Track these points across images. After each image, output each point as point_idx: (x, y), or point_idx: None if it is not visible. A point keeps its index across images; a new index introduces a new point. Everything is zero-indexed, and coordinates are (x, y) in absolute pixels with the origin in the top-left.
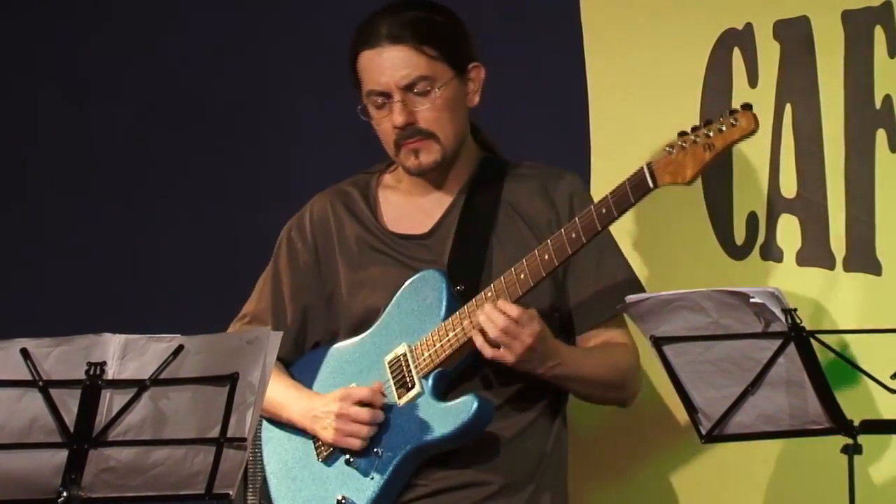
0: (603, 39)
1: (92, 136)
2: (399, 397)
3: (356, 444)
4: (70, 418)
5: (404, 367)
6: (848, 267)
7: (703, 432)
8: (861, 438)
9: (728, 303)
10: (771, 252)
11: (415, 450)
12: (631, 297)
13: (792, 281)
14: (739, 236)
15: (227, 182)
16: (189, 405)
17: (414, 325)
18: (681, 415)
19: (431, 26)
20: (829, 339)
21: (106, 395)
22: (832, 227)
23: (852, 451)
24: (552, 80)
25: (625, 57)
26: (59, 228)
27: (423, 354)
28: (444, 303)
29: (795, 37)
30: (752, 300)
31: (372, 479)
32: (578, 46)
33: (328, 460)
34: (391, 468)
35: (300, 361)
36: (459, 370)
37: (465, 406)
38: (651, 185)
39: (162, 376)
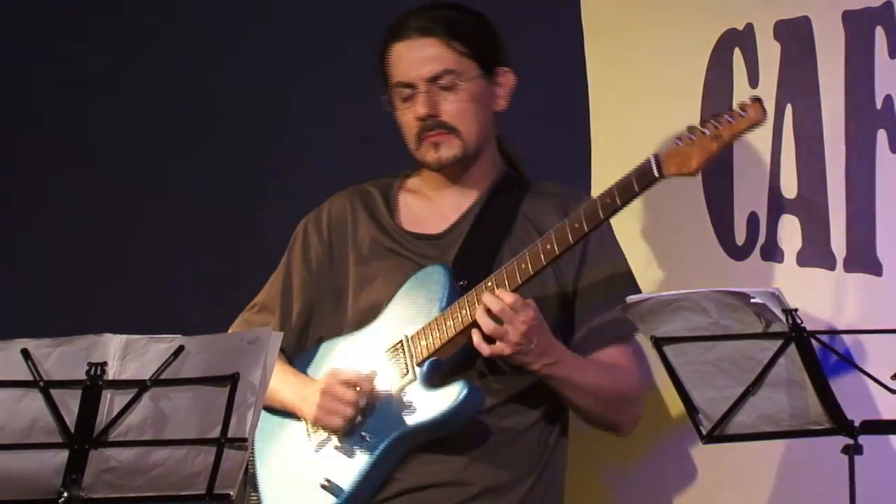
0: (603, 40)
1: (92, 135)
2: (392, 385)
3: (338, 422)
4: (71, 419)
5: (400, 356)
6: (848, 267)
7: (704, 433)
8: (862, 439)
9: (729, 303)
10: (771, 252)
11: (402, 435)
12: (631, 298)
13: (792, 281)
14: (740, 236)
15: (227, 182)
16: (190, 405)
17: (414, 317)
18: (681, 415)
19: (462, 23)
20: (829, 339)
21: (107, 395)
22: (833, 227)
23: (853, 451)
24: (552, 80)
25: (625, 57)
26: (60, 228)
27: (419, 343)
28: (445, 295)
29: (796, 37)
30: (752, 300)
31: (357, 462)
32: (579, 47)
33: (319, 447)
34: (377, 453)
35: (303, 355)
36: (456, 361)
37: (453, 391)
38: (656, 174)
39: (163, 377)
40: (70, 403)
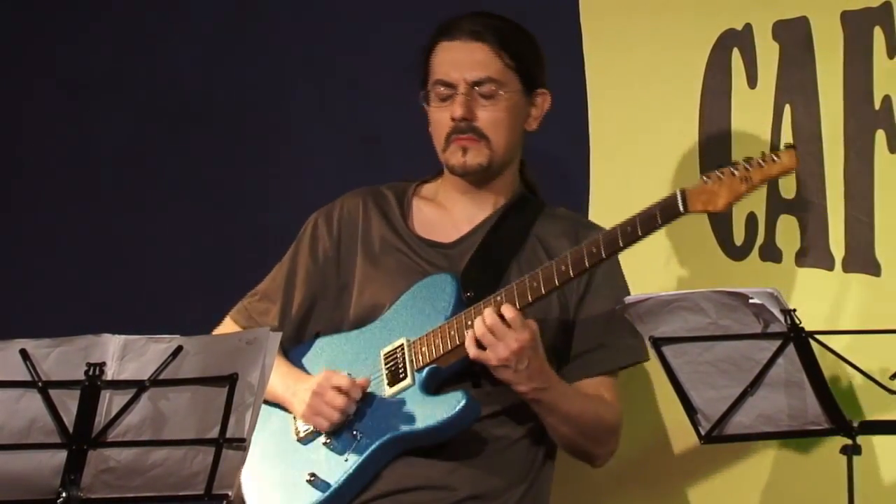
0: (602, 40)
1: (90, 136)
2: (389, 387)
3: (324, 424)
4: (69, 419)
5: (399, 360)
6: (847, 267)
7: (703, 433)
8: (860, 439)
9: (727, 303)
10: (770, 253)
11: (395, 438)
12: (630, 298)
13: (791, 281)
14: (739, 237)
15: (226, 182)
16: (188, 406)
17: (417, 323)
18: (680, 415)
19: (513, 37)
20: (828, 339)
21: (105, 395)
22: (831, 227)
23: (851, 451)
24: (551, 80)
25: (624, 57)
26: (58, 228)
27: (420, 349)
28: (451, 304)
29: (795, 37)
30: (751, 301)
31: (346, 460)
32: (578, 47)
33: (304, 440)
34: (367, 453)
35: (299, 349)
36: (454, 371)
37: (452, 400)
38: (682, 209)
39: (161, 377)
40: (69, 404)
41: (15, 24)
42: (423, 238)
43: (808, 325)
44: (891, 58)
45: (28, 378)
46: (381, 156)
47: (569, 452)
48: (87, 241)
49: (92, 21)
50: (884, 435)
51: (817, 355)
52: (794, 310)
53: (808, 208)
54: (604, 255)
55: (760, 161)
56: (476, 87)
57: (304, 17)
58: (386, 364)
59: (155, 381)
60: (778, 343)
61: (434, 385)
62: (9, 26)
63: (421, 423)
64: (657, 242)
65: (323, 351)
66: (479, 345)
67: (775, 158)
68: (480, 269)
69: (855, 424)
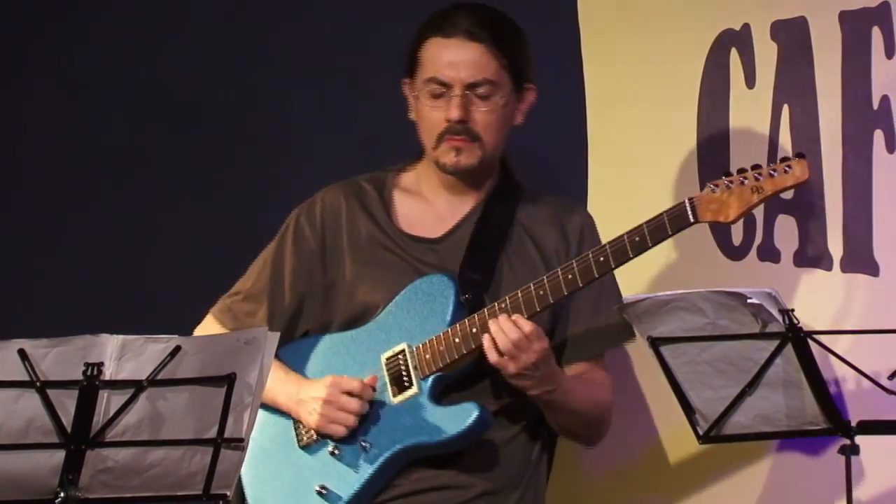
0: (600, 40)
1: (88, 135)
2: (393, 395)
3: (340, 431)
4: (67, 419)
5: (402, 366)
6: (845, 267)
7: (701, 433)
8: (858, 439)
9: (725, 303)
10: (768, 253)
11: (406, 448)
12: (628, 298)
13: (789, 281)
14: (737, 237)
15: (225, 181)
16: (186, 406)
17: (416, 327)
18: (678, 415)
19: (508, 34)
20: (826, 339)
21: (103, 395)
22: (830, 227)
23: (849, 451)
24: (549, 81)
25: (622, 58)
26: (56, 228)
27: (424, 356)
28: (451, 309)
29: (793, 37)
30: (749, 301)
31: (357, 471)
32: (576, 48)
33: (310, 448)
34: (378, 463)
35: (290, 346)
36: (457, 376)
37: (466, 412)
38: (692, 219)
39: (159, 377)
40: (67, 403)
41: (15, 25)
42: (409, 234)
43: (806, 325)
44: (889, 58)
45: (26, 378)
46: (381, 156)
47: (567, 438)
48: (86, 241)
49: (92, 21)
50: (882, 435)
51: (816, 355)
52: (793, 310)
53: (806, 208)
54: (612, 265)
55: (771, 171)
56: (472, 89)
57: (304, 17)
58: (388, 369)
59: (153, 381)
60: (776, 343)
61: (440, 392)
62: (8, 27)
63: (433, 435)
64: None
65: (317, 352)
66: (499, 352)
67: (787, 169)
68: (474, 267)
69: (853, 424)
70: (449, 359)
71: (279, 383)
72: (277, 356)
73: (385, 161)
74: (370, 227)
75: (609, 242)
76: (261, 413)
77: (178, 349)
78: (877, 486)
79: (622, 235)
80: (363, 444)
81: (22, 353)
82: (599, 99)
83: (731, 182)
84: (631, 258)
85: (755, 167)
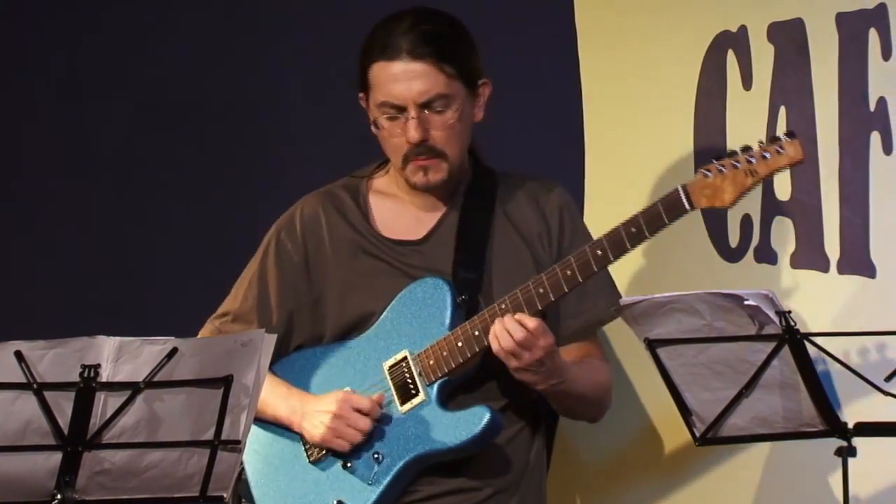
0: (597, 41)
1: (86, 136)
2: (401, 404)
3: (345, 446)
4: (64, 421)
5: (406, 374)
6: (842, 269)
7: (698, 435)
8: (855, 441)
9: (722, 305)
10: (765, 254)
11: (419, 457)
12: (625, 299)
13: (786, 283)
14: (734, 238)
15: (222, 182)
16: (183, 408)
17: (415, 332)
18: (675, 417)
19: (450, 43)
20: (823, 341)
21: (100, 397)
22: (826, 229)
23: (846, 453)
24: (547, 82)
25: (619, 59)
26: (54, 229)
27: (427, 362)
28: (449, 311)
29: (790, 39)
30: (746, 302)
31: (371, 484)
32: (573, 48)
33: (320, 463)
34: (393, 474)
35: (285, 361)
36: (462, 379)
37: (475, 417)
38: (687, 206)
39: (156, 379)
40: (64, 405)
41: (15, 25)
42: (390, 238)
43: (802, 326)
44: (885, 59)
45: (23, 380)
46: (380, 156)
47: (569, 418)
48: (83, 242)
49: (91, 22)
50: (879, 437)
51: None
52: (789, 311)
53: (802, 210)
54: (611, 258)
55: (764, 153)
56: (426, 107)
57: (303, 17)
58: (392, 378)
59: (150, 383)
60: (773, 345)
61: (447, 397)
62: (8, 27)
63: (445, 441)
64: (652, 244)
65: (315, 364)
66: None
67: (780, 150)
68: (464, 267)
69: (850, 426)
70: (454, 363)
71: (281, 398)
72: (273, 372)
73: (378, 160)
74: (351, 235)
75: (605, 235)
76: (266, 428)
77: (174, 351)
78: (874, 488)
79: (618, 227)
80: (375, 455)
81: (18, 355)
82: (597, 100)
83: (723, 166)
84: (629, 250)
85: (745, 149)
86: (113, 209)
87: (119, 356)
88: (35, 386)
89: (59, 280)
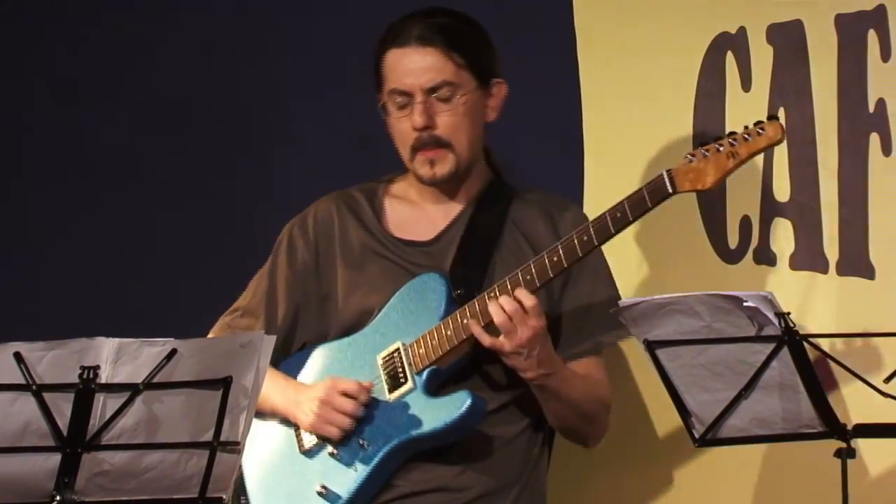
0: (596, 43)
1: (83, 138)
2: (390, 392)
3: (335, 432)
4: (63, 422)
5: (397, 364)
6: (841, 271)
7: (697, 436)
8: (854, 442)
9: (721, 306)
10: (764, 256)
11: (402, 443)
12: (624, 301)
13: (785, 285)
14: (733, 240)
15: (221, 184)
16: (182, 409)
17: (410, 325)
18: (674, 419)
19: (462, 34)
20: (822, 342)
21: (99, 398)
22: (825, 230)
23: (846, 454)
24: (546, 84)
25: (618, 61)
26: (52, 231)
27: (417, 351)
28: (443, 304)
29: (789, 41)
30: (745, 304)
31: (355, 470)
32: (572, 50)
33: (310, 452)
34: (376, 461)
35: (290, 361)
36: (453, 371)
37: (457, 401)
38: (670, 190)
39: (155, 380)
40: (63, 407)
41: (14, 26)
42: (401, 238)
43: (802, 328)
44: (885, 61)
45: (22, 381)
46: (380, 156)
47: (564, 435)
48: (82, 243)
49: (90, 23)
50: (878, 438)
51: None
52: (789, 313)
53: (802, 211)
54: (596, 242)
55: (746, 135)
56: (433, 93)
57: (301, 17)
58: (384, 369)
59: (149, 385)
60: (772, 346)
61: (435, 386)
62: (7, 28)
63: (427, 426)
64: (651, 245)
65: (316, 360)
66: (493, 332)
67: (760, 131)
68: (465, 265)
69: (849, 428)
70: (441, 351)
71: (278, 390)
72: (277, 368)
73: (383, 163)
74: (362, 235)
75: (592, 221)
76: (263, 423)
77: (174, 352)
78: (873, 490)
79: (604, 213)
80: (361, 442)
81: (18, 357)
82: (596, 101)
83: (707, 151)
84: (613, 234)
85: (730, 134)
86: (112, 210)
87: (118, 357)
88: (34, 387)
89: (59, 281)
